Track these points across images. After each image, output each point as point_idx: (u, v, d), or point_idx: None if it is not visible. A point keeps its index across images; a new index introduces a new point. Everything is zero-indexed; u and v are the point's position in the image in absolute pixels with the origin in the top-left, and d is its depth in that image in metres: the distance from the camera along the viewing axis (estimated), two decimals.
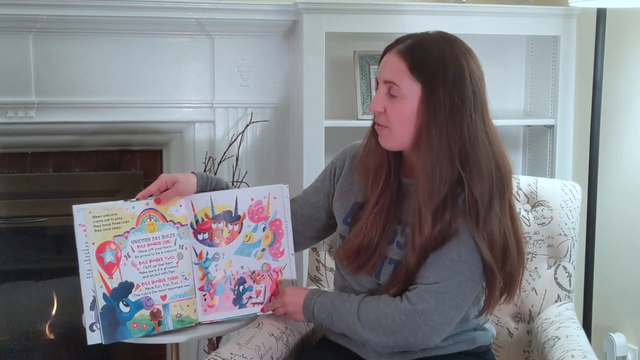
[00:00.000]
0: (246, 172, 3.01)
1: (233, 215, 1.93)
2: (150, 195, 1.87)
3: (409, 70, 1.68)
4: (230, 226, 1.92)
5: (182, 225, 1.89)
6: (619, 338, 2.85)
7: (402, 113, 1.70)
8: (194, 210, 1.90)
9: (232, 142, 2.98)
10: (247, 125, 3.00)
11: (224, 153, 2.96)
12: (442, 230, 1.69)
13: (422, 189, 1.69)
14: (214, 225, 1.91)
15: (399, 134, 1.72)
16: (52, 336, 3.19)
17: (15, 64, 2.81)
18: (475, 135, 1.69)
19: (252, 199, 1.94)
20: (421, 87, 1.68)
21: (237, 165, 2.98)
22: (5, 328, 3.15)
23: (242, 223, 1.93)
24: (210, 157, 3.00)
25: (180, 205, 1.89)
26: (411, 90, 1.68)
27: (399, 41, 1.74)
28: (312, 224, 2.00)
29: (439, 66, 1.67)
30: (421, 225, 1.69)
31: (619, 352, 2.84)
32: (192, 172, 1.93)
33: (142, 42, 2.91)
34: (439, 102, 1.66)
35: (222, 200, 1.92)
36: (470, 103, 1.68)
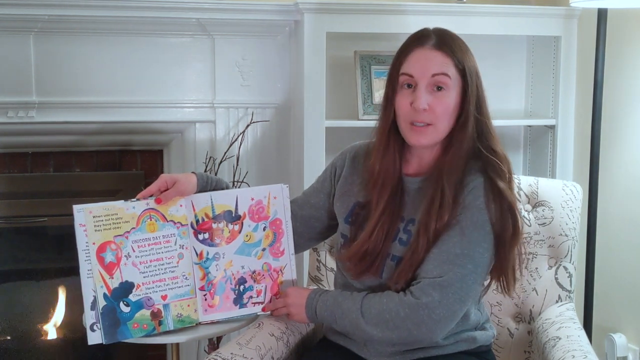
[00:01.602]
0: (247, 172, 3.01)
1: (233, 215, 1.93)
2: (151, 195, 1.87)
3: (454, 62, 1.74)
4: (230, 226, 1.92)
5: (182, 225, 1.89)
6: (619, 338, 2.85)
7: (449, 106, 1.75)
8: (194, 210, 1.90)
9: (233, 142, 2.98)
10: (248, 125, 3.00)
11: (225, 153, 2.96)
12: (454, 213, 1.73)
13: (449, 176, 1.74)
14: (214, 225, 1.91)
15: (443, 129, 1.77)
16: (52, 336, 3.18)
17: (16, 64, 2.81)
18: (488, 116, 1.78)
19: (252, 199, 1.94)
20: (461, 78, 1.74)
21: (237, 165, 2.98)
22: (6, 328, 3.15)
23: (242, 223, 1.93)
24: (210, 157, 3.00)
25: (181, 205, 1.89)
26: (456, 81, 1.74)
27: (424, 37, 1.78)
28: (312, 224, 2.01)
29: (468, 57, 1.76)
30: (442, 210, 1.73)
31: (619, 352, 2.84)
32: (193, 172, 1.93)
33: (143, 42, 2.91)
34: (473, 91, 1.74)
35: (223, 200, 1.92)
36: (483, 89, 1.78)
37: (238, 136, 2.98)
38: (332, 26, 2.86)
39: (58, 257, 3.15)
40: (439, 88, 1.73)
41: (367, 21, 2.88)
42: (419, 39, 1.78)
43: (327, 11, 2.85)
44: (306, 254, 2.59)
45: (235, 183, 2.96)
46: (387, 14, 2.88)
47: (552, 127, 3.12)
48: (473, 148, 1.77)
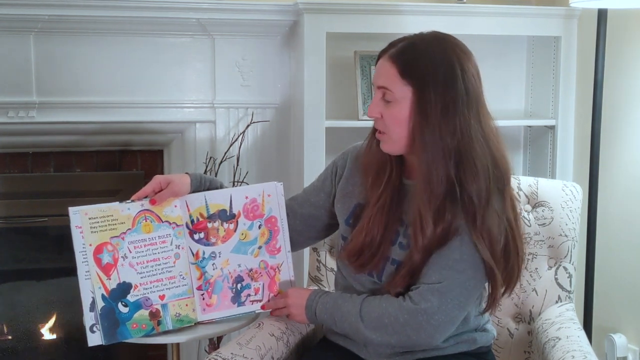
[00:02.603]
0: (247, 172, 3.01)
1: (228, 213, 1.93)
2: (145, 197, 1.87)
3: (400, 74, 1.69)
4: (225, 225, 1.93)
5: (177, 225, 1.89)
6: (619, 339, 2.85)
7: (397, 117, 1.71)
8: (188, 210, 1.90)
9: (233, 142, 2.98)
10: (248, 126, 3.00)
11: (225, 153, 2.96)
12: (445, 229, 1.69)
13: (420, 190, 1.70)
14: (209, 225, 1.91)
15: (397, 138, 1.73)
16: (53, 336, 3.19)
17: (16, 64, 2.81)
18: (469, 134, 1.68)
19: (246, 197, 1.94)
20: (412, 90, 1.68)
21: (237, 165, 2.98)
22: (7, 328, 3.15)
23: (237, 221, 1.93)
24: (211, 157, 3.00)
25: (175, 206, 1.89)
26: (403, 94, 1.69)
27: (391, 45, 1.75)
28: (311, 223, 2.00)
29: (429, 68, 1.67)
30: (422, 226, 1.70)
31: (619, 352, 2.84)
32: (186, 173, 1.94)
33: (143, 42, 2.92)
34: (430, 104, 1.67)
35: (217, 199, 1.92)
36: (463, 102, 1.68)
37: (238, 136, 2.98)
38: (332, 26, 2.86)
39: (58, 257, 3.15)
40: (388, 99, 1.72)
41: (367, 21, 2.88)
42: (386, 47, 1.75)
43: (327, 11, 2.85)
44: (306, 254, 2.59)
45: (236, 183, 2.96)
46: (387, 14, 2.88)
47: (552, 128, 3.12)
48: (450, 175, 1.69)
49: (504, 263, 1.74)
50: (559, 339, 1.90)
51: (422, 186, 1.70)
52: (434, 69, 1.67)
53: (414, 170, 1.77)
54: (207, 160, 2.99)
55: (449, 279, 1.70)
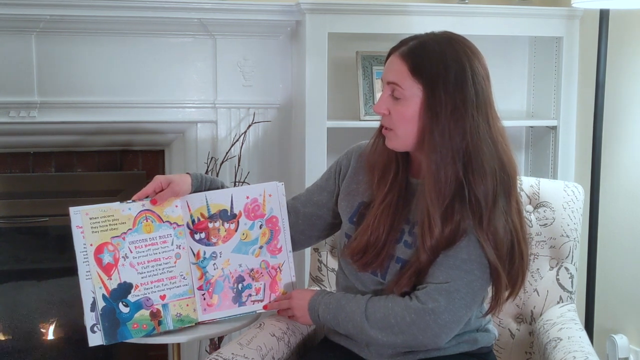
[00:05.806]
0: (248, 173, 3.01)
1: (229, 213, 1.93)
2: (146, 197, 1.87)
3: (411, 72, 1.69)
4: (226, 225, 1.93)
5: (178, 225, 1.89)
6: (621, 339, 2.85)
7: (405, 115, 1.71)
8: (189, 210, 1.90)
9: (235, 143, 2.98)
10: (250, 126, 3.00)
11: (226, 153, 2.96)
12: (453, 230, 1.69)
13: (429, 190, 1.70)
14: (210, 225, 1.91)
15: (403, 136, 1.73)
16: (53, 336, 3.19)
17: (17, 64, 2.81)
18: (478, 136, 1.68)
19: (247, 197, 1.95)
20: (422, 89, 1.68)
21: (239, 165, 2.98)
22: (7, 328, 3.15)
23: (238, 221, 1.93)
24: (212, 158, 3.00)
25: (176, 206, 1.89)
26: (413, 92, 1.69)
27: (402, 43, 1.75)
28: (314, 222, 2.00)
29: (440, 68, 1.67)
30: (431, 226, 1.70)
31: (621, 353, 2.84)
32: (187, 173, 1.94)
33: (145, 42, 2.92)
34: (441, 104, 1.67)
35: (218, 199, 1.92)
36: (473, 104, 1.68)
37: (240, 136, 2.98)
38: (334, 26, 2.86)
39: (59, 257, 3.16)
40: (397, 96, 1.72)
41: (369, 21, 2.88)
42: (397, 44, 1.76)
43: (329, 11, 2.85)
44: (307, 254, 2.59)
45: (237, 183, 2.96)
46: (388, 15, 2.88)
47: (554, 128, 3.12)
48: (459, 175, 1.69)
49: (509, 265, 1.74)
50: (561, 340, 1.90)
51: (431, 186, 1.70)
52: (445, 69, 1.67)
53: (420, 169, 1.78)
54: (209, 160, 2.99)
55: (457, 279, 1.70)
